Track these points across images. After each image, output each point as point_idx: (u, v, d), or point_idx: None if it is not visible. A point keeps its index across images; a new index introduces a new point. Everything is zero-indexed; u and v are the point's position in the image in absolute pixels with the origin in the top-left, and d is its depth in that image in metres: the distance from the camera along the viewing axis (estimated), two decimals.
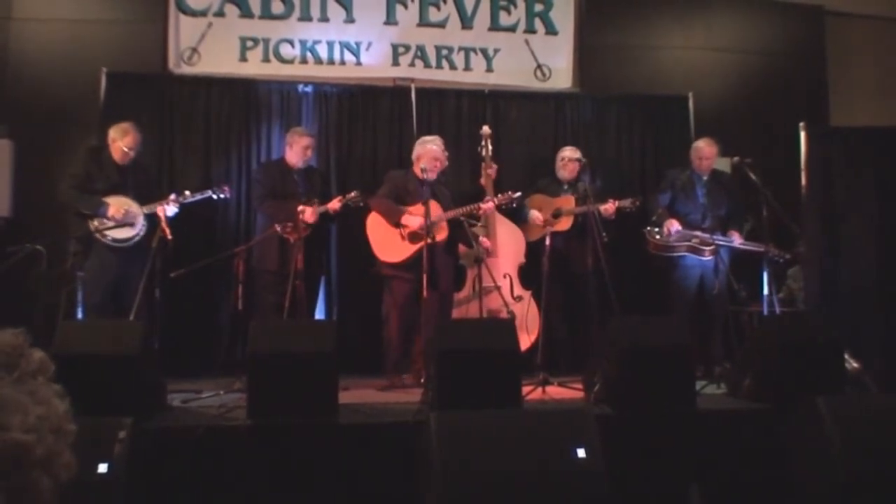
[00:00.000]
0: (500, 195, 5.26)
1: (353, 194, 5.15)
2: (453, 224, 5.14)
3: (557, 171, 5.72)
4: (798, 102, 6.39)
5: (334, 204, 5.10)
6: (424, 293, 4.56)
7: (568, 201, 5.56)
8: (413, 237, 5.02)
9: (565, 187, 5.66)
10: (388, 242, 5.06)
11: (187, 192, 5.02)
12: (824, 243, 5.02)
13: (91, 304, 4.79)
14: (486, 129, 5.60)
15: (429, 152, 5.17)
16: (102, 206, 4.84)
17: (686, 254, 5.43)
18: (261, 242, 5.07)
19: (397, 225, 5.06)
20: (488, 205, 5.19)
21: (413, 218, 5.01)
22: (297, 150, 5.28)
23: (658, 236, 5.43)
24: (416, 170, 5.16)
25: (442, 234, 5.04)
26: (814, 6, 6.82)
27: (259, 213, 5.38)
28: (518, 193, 5.27)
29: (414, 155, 5.27)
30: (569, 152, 5.67)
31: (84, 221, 4.86)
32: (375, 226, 5.11)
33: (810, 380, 3.80)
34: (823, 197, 5.04)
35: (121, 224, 4.81)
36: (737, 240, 5.40)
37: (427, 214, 4.74)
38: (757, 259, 5.19)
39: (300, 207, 4.96)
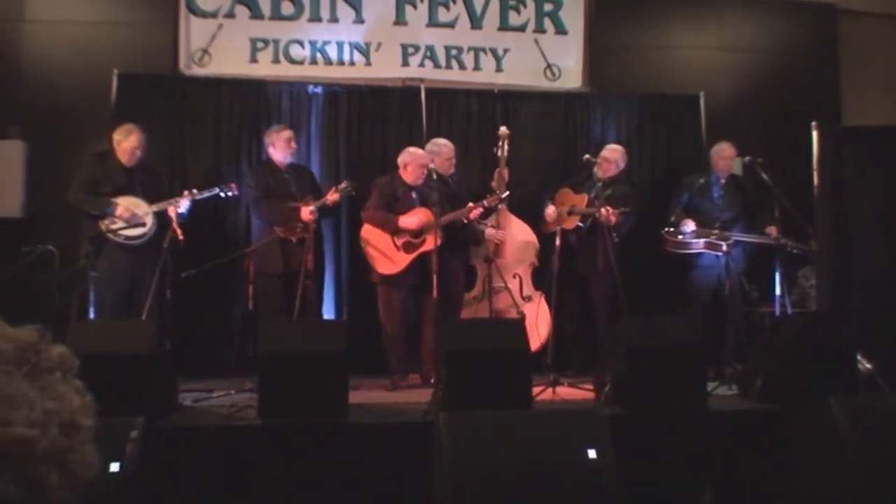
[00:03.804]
0: (487, 198, 5.22)
1: (344, 184, 5.08)
2: (449, 229, 5.09)
3: (596, 169, 5.36)
4: (810, 102, 6.34)
5: (332, 196, 5.02)
6: (434, 293, 4.55)
7: (583, 199, 5.48)
8: (408, 247, 5.02)
9: (599, 185, 5.28)
10: (384, 254, 5.05)
11: (195, 190, 5.03)
12: (837, 243, 4.98)
13: (103, 304, 4.82)
14: (503, 130, 5.44)
15: (443, 154, 5.27)
16: (111, 206, 4.87)
17: (704, 251, 5.39)
18: (262, 246, 5.01)
19: (394, 233, 5.05)
20: (475, 212, 5.13)
21: (411, 218, 5.01)
22: (280, 146, 5.24)
23: (679, 236, 5.38)
24: (404, 175, 5.16)
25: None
26: (826, 5, 6.77)
27: (254, 217, 5.36)
28: (506, 193, 5.24)
29: (427, 158, 5.25)
30: (609, 148, 5.59)
31: (94, 223, 4.88)
32: (370, 238, 5.10)
33: (823, 381, 3.77)
34: (836, 196, 5.01)
35: (130, 224, 4.83)
36: (773, 234, 5.26)
37: (436, 215, 4.69)
38: (769, 259, 5.15)
39: (299, 207, 4.96)
